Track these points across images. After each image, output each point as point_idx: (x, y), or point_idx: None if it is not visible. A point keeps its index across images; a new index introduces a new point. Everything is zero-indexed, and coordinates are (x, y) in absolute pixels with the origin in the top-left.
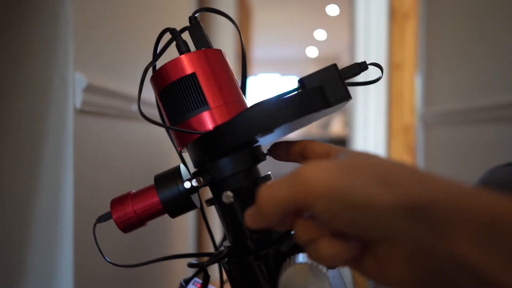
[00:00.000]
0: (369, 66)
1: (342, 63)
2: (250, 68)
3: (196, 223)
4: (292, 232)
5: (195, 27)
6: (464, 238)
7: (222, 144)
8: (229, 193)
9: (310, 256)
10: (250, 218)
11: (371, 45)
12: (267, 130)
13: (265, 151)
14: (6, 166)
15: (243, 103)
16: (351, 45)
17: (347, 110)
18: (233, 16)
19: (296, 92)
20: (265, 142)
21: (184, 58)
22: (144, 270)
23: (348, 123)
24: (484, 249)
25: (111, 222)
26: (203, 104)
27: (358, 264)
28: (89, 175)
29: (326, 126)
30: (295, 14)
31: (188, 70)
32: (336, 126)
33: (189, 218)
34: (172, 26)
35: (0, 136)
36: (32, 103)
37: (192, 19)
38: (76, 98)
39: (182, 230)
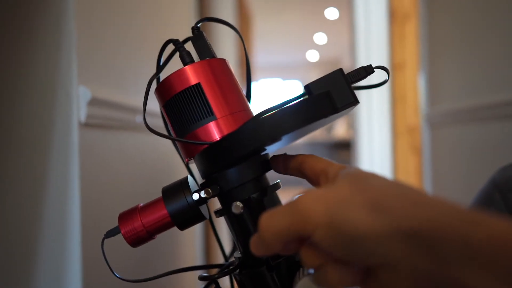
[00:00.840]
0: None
1: (344, 66)
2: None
3: (204, 234)
4: None
5: (198, 37)
6: (464, 264)
7: (230, 154)
8: (238, 203)
9: (317, 281)
10: (254, 246)
11: (372, 46)
12: (275, 139)
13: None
14: (12, 180)
15: (249, 111)
16: (352, 48)
17: (350, 113)
18: (234, 24)
19: (302, 98)
20: (272, 149)
21: (188, 68)
22: (152, 283)
23: (352, 126)
24: (484, 274)
25: (118, 236)
26: (208, 114)
27: (363, 286)
28: (95, 188)
29: (329, 129)
30: (295, 19)
31: (193, 80)
32: (340, 129)
33: (196, 229)
34: (174, 37)
35: (5, 150)
36: (37, 117)
37: (195, 29)
38: (80, 111)
39: (190, 242)
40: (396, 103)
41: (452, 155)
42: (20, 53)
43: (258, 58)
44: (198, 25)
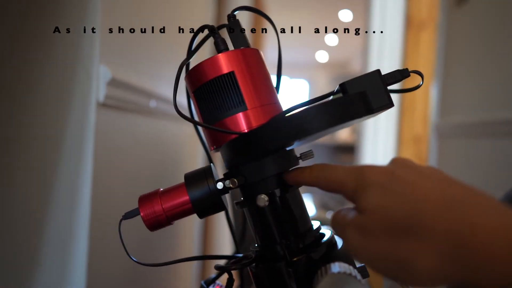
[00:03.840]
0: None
1: (353, 69)
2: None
3: (203, 226)
4: (323, 240)
5: (234, 25)
6: None
7: (260, 147)
8: (264, 196)
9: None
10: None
11: (385, 52)
12: (308, 134)
13: (298, 155)
14: (26, 157)
15: (279, 105)
16: (364, 52)
17: None
18: (247, 18)
19: (333, 96)
20: (298, 144)
21: (222, 56)
22: (153, 270)
23: (356, 130)
24: None
25: (117, 221)
26: (240, 104)
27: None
28: (108, 169)
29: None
30: (308, 18)
31: (226, 68)
32: (343, 132)
33: (195, 221)
34: (192, 27)
35: (22, 126)
36: (56, 94)
37: (231, 17)
38: (99, 91)
39: (189, 233)
40: (404, 111)
41: (459, 168)
42: (44, 30)
43: (267, 54)
44: (235, 13)
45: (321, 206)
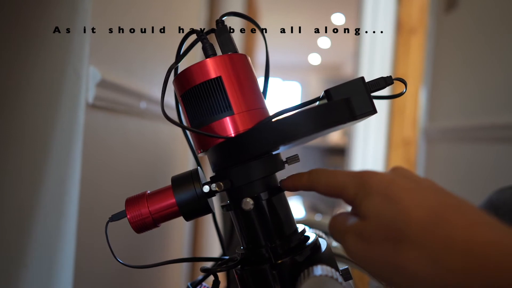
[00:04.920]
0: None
1: (345, 73)
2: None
3: (192, 229)
4: (308, 243)
5: (222, 30)
6: None
7: (246, 151)
8: (249, 199)
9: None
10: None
11: (376, 56)
12: (293, 139)
13: (284, 159)
14: (14, 157)
15: (265, 110)
16: (356, 55)
17: None
18: (240, 21)
19: (319, 102)
20: (284, 149)
21: (210, 61)
22: (141, 271)
23: (347, 133)
24: None
25: (105, 223)
26: (226, 109)
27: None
28: (97, 170)
29: None
30: (301, 21)
31: (214, 73)
32: (334, 135)
33: (185, 224)
34: (184, 30)
35: (10, 126)
36: (45, 94)
37: (219, 22)
38: (89, 92)
39: (178, 235)
40: (394, 115)
41: (445, 172)
42: (33, 29)
43: (259, 56)
44: (223, 19)
45: (311, 208)
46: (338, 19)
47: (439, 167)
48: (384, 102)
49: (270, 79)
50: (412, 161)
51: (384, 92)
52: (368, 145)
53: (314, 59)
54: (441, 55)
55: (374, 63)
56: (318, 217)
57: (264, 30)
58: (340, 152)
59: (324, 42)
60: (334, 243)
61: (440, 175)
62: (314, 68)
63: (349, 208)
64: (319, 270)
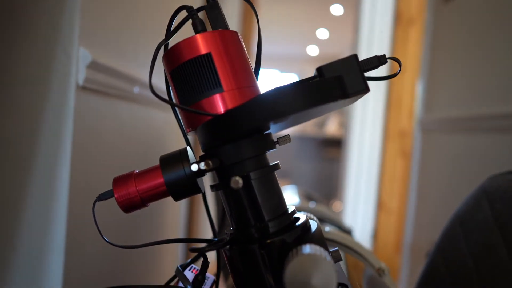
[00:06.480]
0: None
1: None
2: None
3: (188, 209)
4: (297, 224)
5: (213, 6)
6: None
7: (234, 128)
8: (237, 178)
9: None
10: None
11: (374, 47)
12: (283, 116)
13: (275, 140)
14: (3, 139)
15: (256, 88)
16: (354, 46)
17: (344, 111)
18: (239, 10)
19: (312, 81)
20: (275, 130)
21: (199, 37)
22: (135, 252)
23: (344, 124)
24: None
25: (103, 202)
26: (216, 86)
27: None
28: (87, 152)
29: (321, 125)
30: (299, 12)
31: (204, 50)
32: (331, 126)
33: (181, 203)
34: (178, 8)
35: None
36: (34, 75)
37: None
38: (79, 74)
39: (174, 215)
40: (391, 106)
41: (440, 162)
42: (22, 9)
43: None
44: None
45: (305, 197)
46: (337, 10)
47: (434, 157)
48: (382, 93)
49: (267, 70)
50: (407, 152)
51: (384, 87)
52: (364, 137)
53: (312, 50)
54: (439, 46)
55: (372, 54)
56: (312, 205)
57: (253, 7)
58: (337, 143)
59: (322, 33)
60: (327, 228)
61: (434, 164)
62: (312, 60)
63: (344, 200)
64: (308, 248)
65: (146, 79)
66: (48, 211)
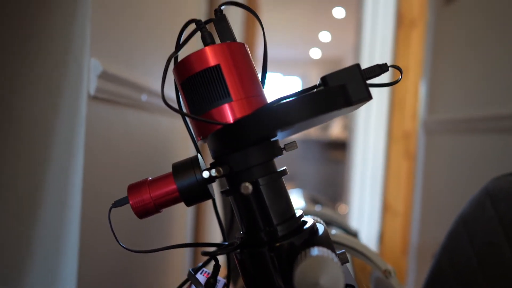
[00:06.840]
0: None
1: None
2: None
3: (195, 214)
4: (305, 227)
5: (221, 19)
6: None
7: (244, 137)
8: (247, 184)
9: None
10: None
11: (376, 49)
12: (290, 125)
13: (282, 146)
14: (17, 148)
15: (264, 97)
16: (356, 49)
17: (348, 114)
18: (241, 15)
19: (316, 89)
20: (281, 137)
21: (209, 49)
22: (146, 255)
23: (348, 127)
24: None
25: (114, 210)
26: (225, 96)
27: None
28: (98, 159)
29: (325, 128)
30: (302, 15)
31: (213, 61)
32: (335, 129)
33: (188, 208)
34: (184, 21)
35: (12, 118)
36: (46, 86)
37: (217, 11)
38: (90, 84)
39: (181, 220)
40: (394, 107)
41: (444, 163)
42: (34, 21)
43: (261, 51)
44: (222, 8)
45: (311, 200)
46: (339, 13)
47: (438, 159)
48: (385, 95)
49: (271, 74)
50: (412, 153)
51: (387, 89)
52: (368, 139)
53: (315, 53)
54: (441, 47)
55: (375, 57)
56: (318, 208)
57: (259, 20)
58: (341, 145)
59: (325, 36)
60: (333, 231)
61: (438, 166)
62: (314, 62)
63: (349, 203)
64: (316, 251)
65: (153, 86)
66: (62, 215)
